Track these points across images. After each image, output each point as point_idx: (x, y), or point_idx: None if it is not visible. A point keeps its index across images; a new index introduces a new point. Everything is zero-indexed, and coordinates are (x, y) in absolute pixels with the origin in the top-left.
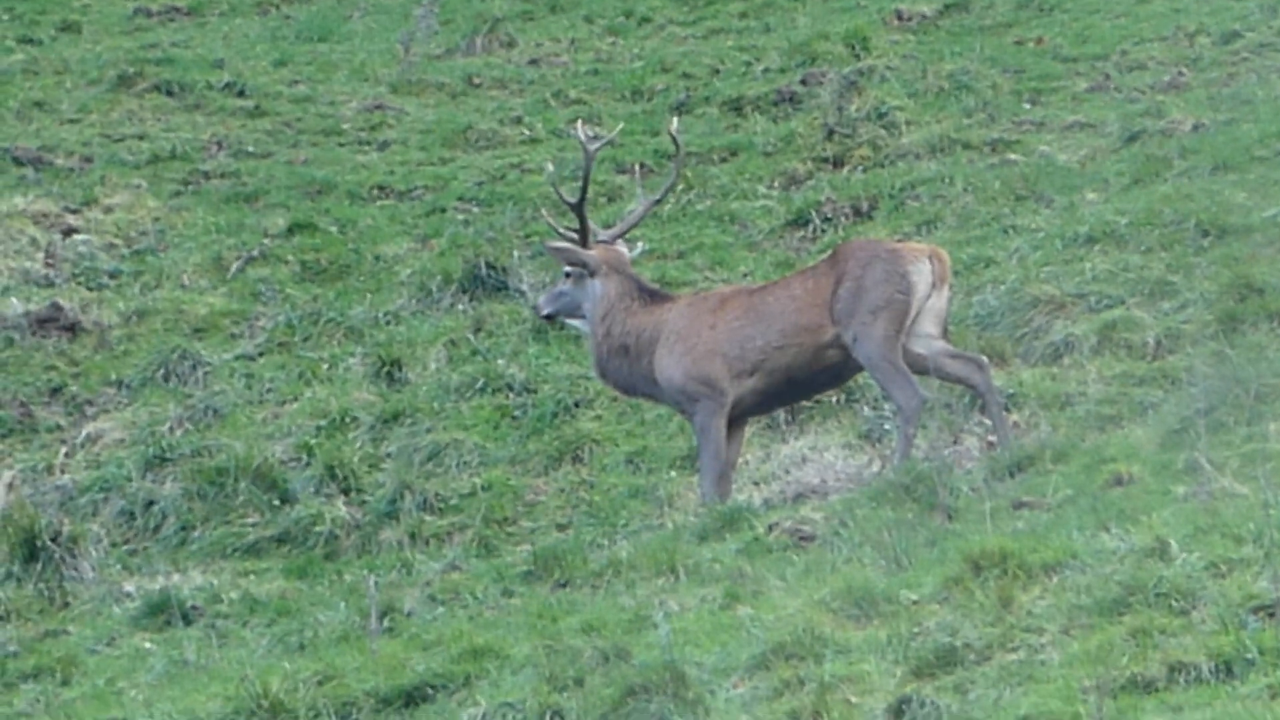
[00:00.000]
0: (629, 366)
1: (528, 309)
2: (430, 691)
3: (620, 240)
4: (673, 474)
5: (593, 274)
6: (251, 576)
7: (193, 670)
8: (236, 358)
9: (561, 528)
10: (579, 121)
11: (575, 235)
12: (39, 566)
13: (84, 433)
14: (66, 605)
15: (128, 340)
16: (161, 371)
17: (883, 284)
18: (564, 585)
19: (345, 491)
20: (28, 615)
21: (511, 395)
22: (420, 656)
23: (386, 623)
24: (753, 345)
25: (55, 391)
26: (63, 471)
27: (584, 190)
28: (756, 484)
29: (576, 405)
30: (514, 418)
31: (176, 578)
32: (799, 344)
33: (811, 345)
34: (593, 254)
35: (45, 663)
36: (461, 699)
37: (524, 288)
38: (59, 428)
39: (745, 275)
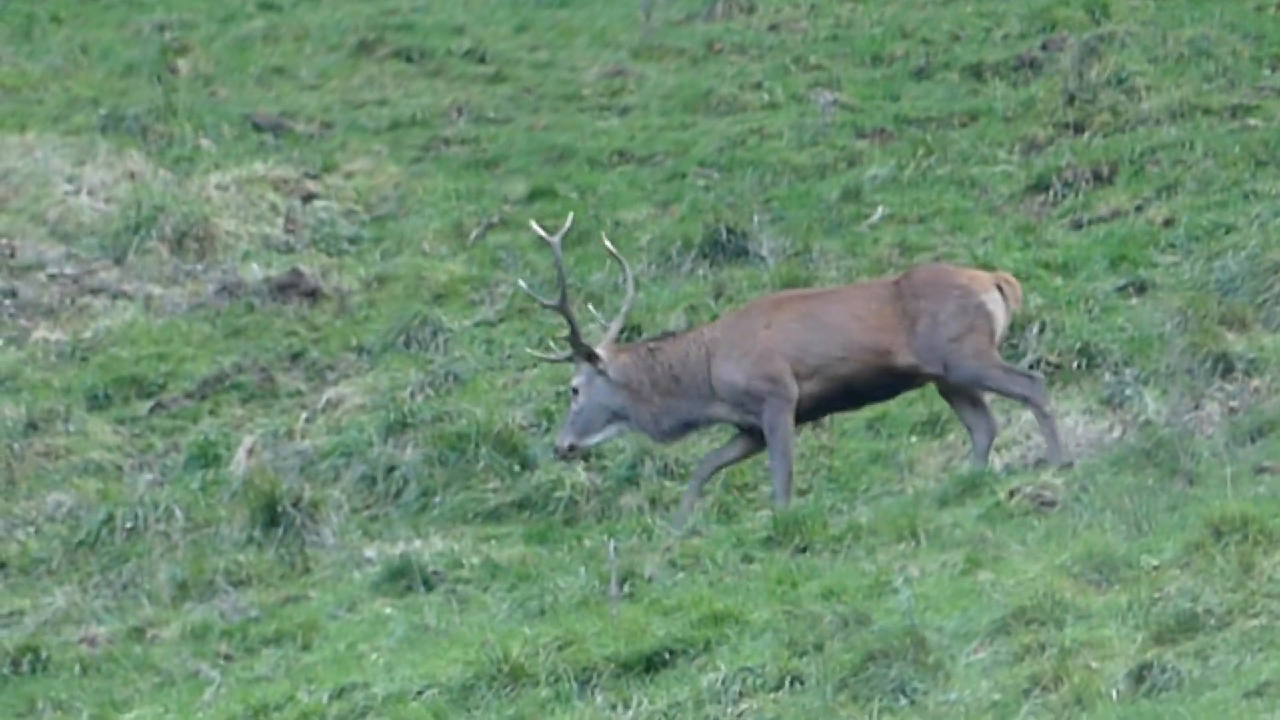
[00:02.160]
0: (683, 399)
1: (554, 457)
2: (670, 656)
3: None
4: (913, 439)
5: (598, 363)
6: (492, 542)
7: (433, 635)
8: (477, 324)
9: (801, 493)
10: (531, 222)
11: (567, 340)
12: (280, 532)
13: (324, 398)
14: (307, 570)
15: (368, 306)
16: (402, 337)
17: (959, 316)
18: (804, 550)
19: (585, 458)
20: (269, 580)
21: None
22: (660, 621)
23: (627, 588)
24: (812, 352)
25: (296, 357)
26: (303, 437)
27: (562, 289)
28: (997, 450)
29: None
30: None
31: (417, 543)
32: (863, 361)
33: (875, 365)
34: (588, 347)
35: (286, 628)
36: (702, 664)
37: (764, 253)
38: (299, 393)
39: (985, 240)
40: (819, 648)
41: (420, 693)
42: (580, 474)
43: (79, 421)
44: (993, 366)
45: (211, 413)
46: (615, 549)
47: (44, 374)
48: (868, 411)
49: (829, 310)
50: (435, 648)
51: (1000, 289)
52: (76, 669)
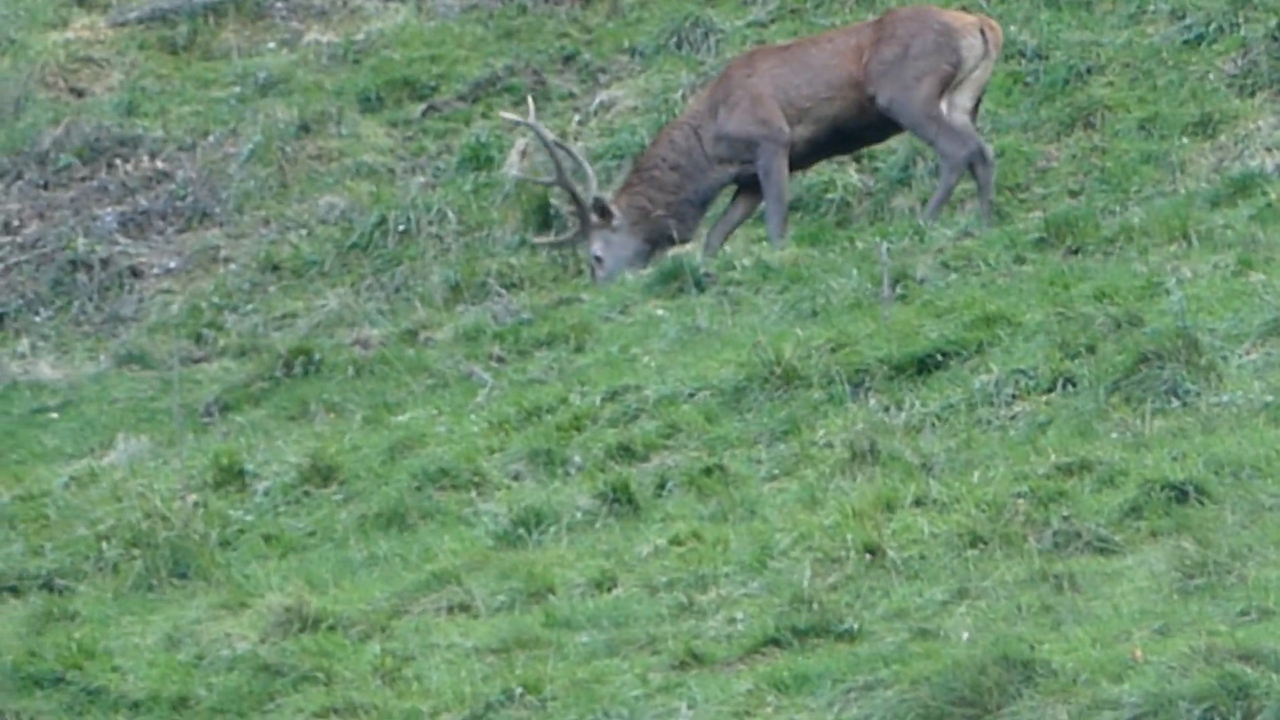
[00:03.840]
0: (689, 182)
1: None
2: (942, 358)
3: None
4: (1184, 140)
5: (611, 218)
6: (764, 243)
7: (705, 336)
8: (748, 25)
9: (1073, 194)
10: (501, 112)
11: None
12: (552, 234)
13: (597, 100)
14: (579, 272)
15: (640, 7)
16: (674, 39)
17: (931, 54)
18: (1076, 252)
19: (857, 158)
20: (540, 283)
21: (1024, 61)
22: (933, 323)
23: (899, 289)
24: (799, 94)
25: (568, 59)
26: (576, 139)
27: (557, 162)
28: (1269, 150)
29: (1088, 71)
30: (1026, 84)
31: (689, 245)
32: (845, 97)
33: (857, 101)
34: (600, 201)
35: (559, 329)
36: (974, 366)
37: None
38: (572, 95)
39: None
40: (1091, 349)
41: (692, 395)
42: (852, 175)
43: (351, 124)
44: (928, 117)
45: (484, 115)
46: (887, 250)
47: (316, 76)
48: (1139, 111)
49: (811, 52)
50: (707, 349)
51: (983, 33)
52: (349, 371)
